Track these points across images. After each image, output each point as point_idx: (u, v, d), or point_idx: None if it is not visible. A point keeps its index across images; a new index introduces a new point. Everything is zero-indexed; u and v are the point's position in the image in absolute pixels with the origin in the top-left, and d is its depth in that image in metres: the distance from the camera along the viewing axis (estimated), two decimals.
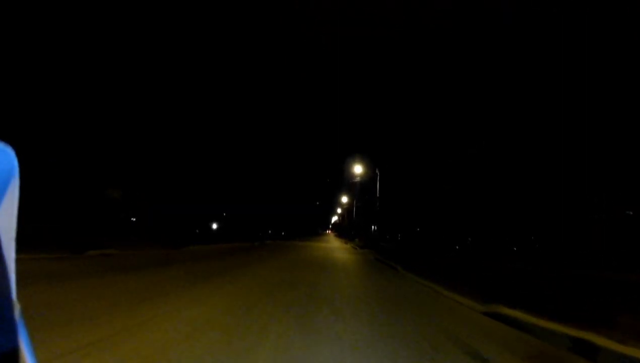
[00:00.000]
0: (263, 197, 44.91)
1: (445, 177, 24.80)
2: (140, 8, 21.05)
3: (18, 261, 0.47)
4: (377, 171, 21.22)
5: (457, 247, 23.44)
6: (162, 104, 24.23)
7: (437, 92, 25.22)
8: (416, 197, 29.39)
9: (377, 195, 21.52)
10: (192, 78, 28.91)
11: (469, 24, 22.52)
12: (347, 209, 60.51)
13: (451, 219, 27.15)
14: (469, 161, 21.43)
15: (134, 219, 25.60)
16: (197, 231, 29.87)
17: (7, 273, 0.45)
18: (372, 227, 48.05)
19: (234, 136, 35.45)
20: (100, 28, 19.50)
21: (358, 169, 24.31)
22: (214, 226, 40.62)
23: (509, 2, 19.53)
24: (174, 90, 25.37)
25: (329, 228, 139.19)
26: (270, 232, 46.43)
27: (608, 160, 16.99)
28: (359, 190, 38.40)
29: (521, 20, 18.80)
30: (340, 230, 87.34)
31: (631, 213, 16.36)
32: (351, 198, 51.89)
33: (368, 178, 25.51)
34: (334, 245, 27.38)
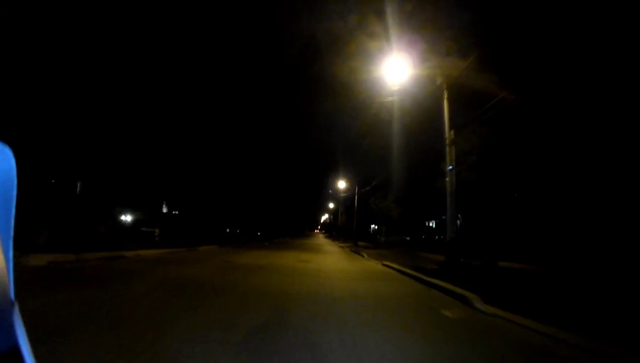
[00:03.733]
0: (244, 193, 39.57)
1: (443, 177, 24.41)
2: (140, 11, 21.01)
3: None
4: (442, 83, 11.24)
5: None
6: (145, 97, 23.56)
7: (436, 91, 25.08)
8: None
9: (447, 126, 10.99)
10: (186, 76, 28.69)
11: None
12: (345, 200, 46.44)
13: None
14: (469, 161, 21.28)
15: None
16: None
17: (5, 273, 0.45)
18: (372, 225, 43.10)
19: (222, 134, 33.18)
20: (96, 31, 19.44)
21: (398, 76, 11.92)
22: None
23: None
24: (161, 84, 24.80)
25: (317, 228, 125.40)
26: (228, 230, 36.31)
27: (607, 159, 17.01)
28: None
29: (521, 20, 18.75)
30: (332, 229, 69.75)
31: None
32: (352, 184, 38.09)
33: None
34: (341, 267, 11.48)
